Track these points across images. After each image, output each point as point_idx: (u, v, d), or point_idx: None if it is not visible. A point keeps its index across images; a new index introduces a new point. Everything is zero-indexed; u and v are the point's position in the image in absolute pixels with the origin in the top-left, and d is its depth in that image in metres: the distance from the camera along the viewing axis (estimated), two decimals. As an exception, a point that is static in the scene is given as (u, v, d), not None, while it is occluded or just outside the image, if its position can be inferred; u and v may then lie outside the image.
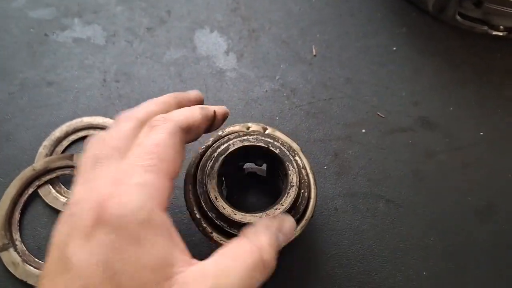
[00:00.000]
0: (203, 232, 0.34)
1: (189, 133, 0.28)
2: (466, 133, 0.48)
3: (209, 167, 0.35)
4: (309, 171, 0.37)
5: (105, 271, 0.20)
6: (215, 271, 0.23)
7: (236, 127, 0.38)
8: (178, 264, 0.22)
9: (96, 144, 0.26)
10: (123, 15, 0.54)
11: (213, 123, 0.31)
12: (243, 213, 0.34)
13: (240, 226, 0.34)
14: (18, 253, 0.40)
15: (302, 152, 0.38)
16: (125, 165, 0.23)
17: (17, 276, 0.38)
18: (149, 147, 0.24)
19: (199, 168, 0.36)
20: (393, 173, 0.45)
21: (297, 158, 0.37)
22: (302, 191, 0.36)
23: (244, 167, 0.42)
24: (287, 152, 0.36)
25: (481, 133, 0.48)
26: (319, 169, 0.45)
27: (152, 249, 0.21)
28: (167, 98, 0.30)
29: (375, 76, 0.51)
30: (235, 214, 0.34)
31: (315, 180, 0.37)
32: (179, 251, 0.23)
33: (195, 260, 0.23)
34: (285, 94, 0.49)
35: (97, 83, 0.49)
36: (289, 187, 0.35)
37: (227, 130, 0.38)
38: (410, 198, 0.44)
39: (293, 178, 0.35)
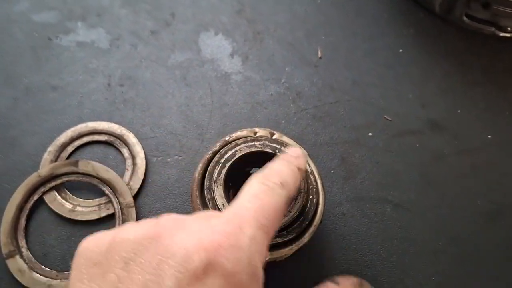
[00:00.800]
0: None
1: None
2: (474, 136, 0.47)
3: (216, 173, 0.35)
4: (317, 176, 0.37)
5: None
6: None
7: (244, 132, 0.38)
8: None
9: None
10: (127, 18, 0.54)
11: None
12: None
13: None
14: (24, 260, 0.39)
15: (310, 157, 0.37)
16: (241, 211, 0.24)
17: (24, 283, 0.38)
18: (269, 208, 0.25)
19: (207, 174, 0.35)
20: (401, 177, 0.45)
21: (305, 163, 0.36)
22: (311, 197, 0.35)
23: (251, 172, 0.41)
24: (295, 158, 0.36)
25: (489, 136, 0.47)
26: (326, 173, 0.44)
27: None
28: (296, 171, 0.30)
29: (382, 78, 0.50)
30: (243, 221, 0.33)
31: (323, 185, 0.37)
32: None
33: None
34: (290, 98, 0.49)
35: (101, 87, 0.49)
36: (297, 193, 0.35)
37: (234, 135, 0.38)
38: (418, 202, 0.43)
39: (301, 184, 0.35)
